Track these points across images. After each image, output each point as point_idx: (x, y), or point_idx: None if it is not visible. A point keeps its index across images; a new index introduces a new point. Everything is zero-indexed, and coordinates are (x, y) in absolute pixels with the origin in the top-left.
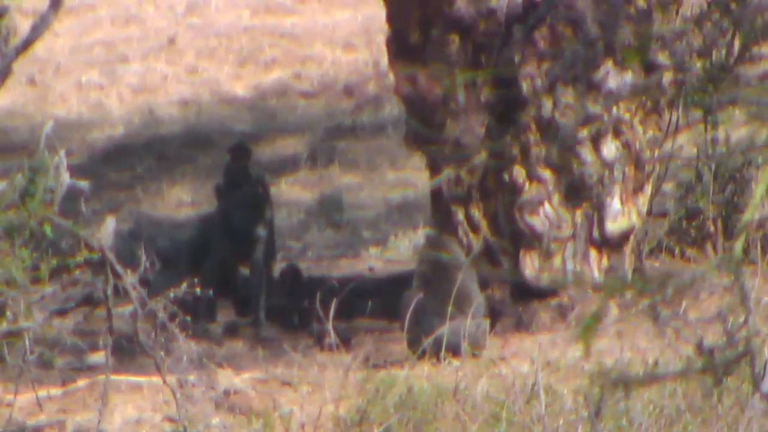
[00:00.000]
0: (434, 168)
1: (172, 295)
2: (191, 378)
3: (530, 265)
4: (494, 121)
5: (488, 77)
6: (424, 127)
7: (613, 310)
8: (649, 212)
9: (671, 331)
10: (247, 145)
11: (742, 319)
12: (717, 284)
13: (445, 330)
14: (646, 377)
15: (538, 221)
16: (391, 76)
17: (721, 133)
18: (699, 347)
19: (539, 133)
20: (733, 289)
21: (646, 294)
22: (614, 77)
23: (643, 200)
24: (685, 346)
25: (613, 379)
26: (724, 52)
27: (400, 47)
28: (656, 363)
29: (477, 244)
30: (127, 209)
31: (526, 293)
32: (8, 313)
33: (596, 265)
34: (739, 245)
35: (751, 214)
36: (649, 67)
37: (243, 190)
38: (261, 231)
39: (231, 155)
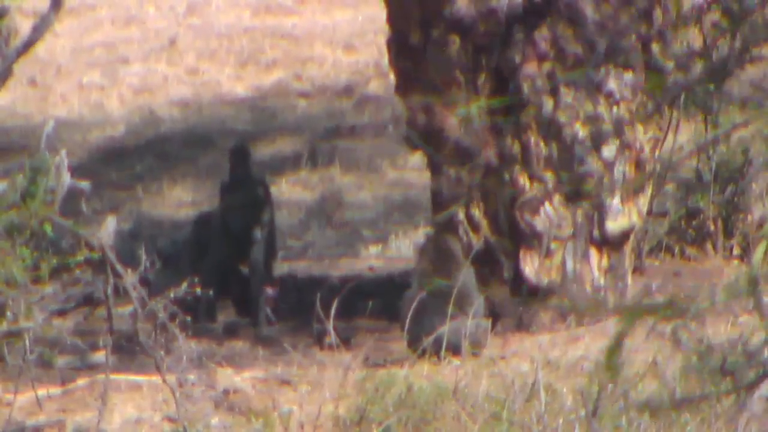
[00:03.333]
0: (435, 168)
1: (172, 294)
2: (191, 377)
3: (530, 265)
4: (495, 121)
5: (488, 72)
6: (424, 126)
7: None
8: (650, 212)
9: (699, 356)
10: (247, 147)
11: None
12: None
13: (445, 329)
14: (677, 402)
15: (538, 221)
16: (392, 77)
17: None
18: (722, 370)
19: (540, 133)
20: (752, 307)
21: (667, 319)
22: (615, 78)
23: (644, 200)
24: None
25: (644, 404)
26: (724, 52)
27: (401, 48)
28: (655, 362)
29: (477, 243)
30: (128, 209)
31: (526, 293)
32: (8, 312)
33: (596, 264)
34: (759, 255)
35: None
36: (651, 69)
37: (243, 190)
38: (260, 231)
39: (230, 157)
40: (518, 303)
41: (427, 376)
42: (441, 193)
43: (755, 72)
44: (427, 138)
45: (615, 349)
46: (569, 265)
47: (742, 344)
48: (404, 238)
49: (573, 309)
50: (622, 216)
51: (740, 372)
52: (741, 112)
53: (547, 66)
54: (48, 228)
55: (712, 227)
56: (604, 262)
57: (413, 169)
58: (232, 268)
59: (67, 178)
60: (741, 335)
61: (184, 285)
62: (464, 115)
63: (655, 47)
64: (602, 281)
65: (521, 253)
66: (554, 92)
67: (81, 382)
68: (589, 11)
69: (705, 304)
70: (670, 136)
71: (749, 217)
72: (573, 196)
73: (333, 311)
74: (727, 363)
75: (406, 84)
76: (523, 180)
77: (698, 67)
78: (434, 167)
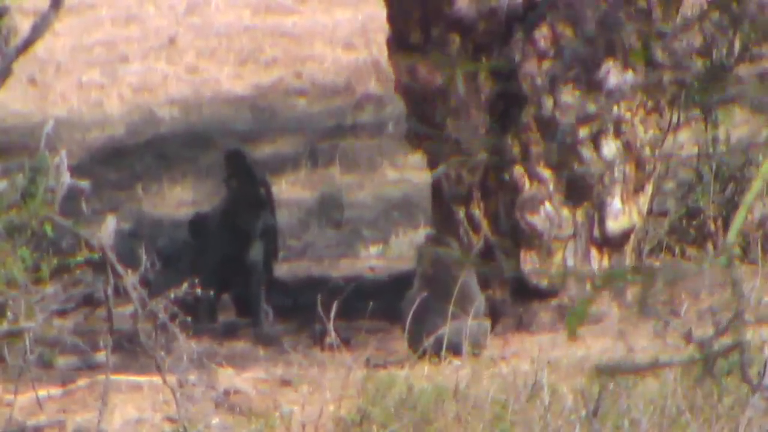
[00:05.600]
0: (434, 167)
1: (172, 295)
2: (191, 378)
3: (531, 265)
4: (494, 120)
5: (488, 72)
6: (424, 124)
7: (614, 310)
8: (650, 211)
9: (663, 323)
10: (242, 150)
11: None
12: (716, 283)
13: (446, 330)
14: (638, 366)
15: (538, 220)
16: (392, 76)
17: (721, 133)
18: (688, 337)
19: (539, 132)
20: (727, 282)
21: (641, 284)
22: (615, 76)
23: (644, 199)
24: (677, 339)
25: (605, 368)
26: (724, 51)
27: (401, 47)
28: (656, 361)
29: (477, 243)
30: (128, 209)
31: (526, 293)
32: (9, 313)
33: (597, 264)
34: (733, 233)
35: (750, 197)
36: (651, 67)
37: (245, 190)
38: (261, 232)
39: (225, 162)
40: (518, 303)
41: (427, 377)
42: (441, 192)
43: (756, 71)
44: (428, 135)
45: (581, 311)
46: (570, 264)
47: (712, 315)
48: (404, 238)
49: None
50: (622, 216)
51: (708, 343)
52: (741, 111)
53: (546, 65)
54: (48, 228)
55: (712, 227)
56: (605, 262)
57: (413, 169)
58: (231, 268)
59: (66, 178)
60: (710, 308)
61: (185, 285)
62: (449, 76)
63: (655, 46)
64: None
65: (521, 253)
66: (554, 91)
67: (81, 382)
68: (588, 10)
69: (678, 271)
70: (670, 136)
71: (749, 217)
72: (573, 196)
73: (333, 312)
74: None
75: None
76: (523, 179)
77: (698, 66)
78: (434, 166)
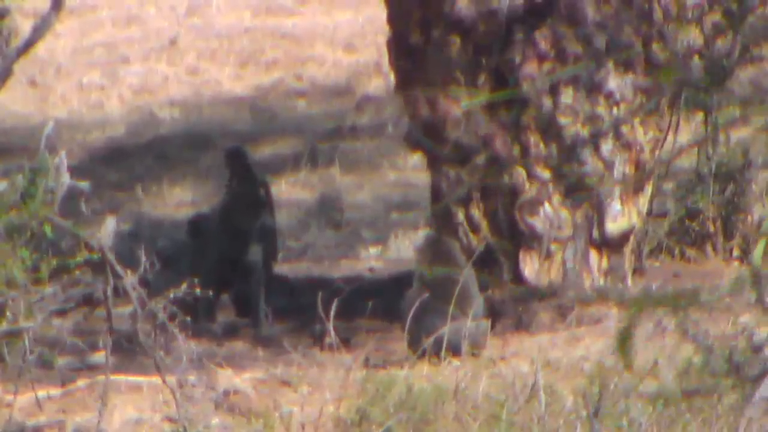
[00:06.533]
0: (434, 168)
1: (172, 295)
2: (191, 378)
3: (530, 265)
4: (495, 121)
5: (488, 73)
6: (425, 129)
7: (613, 310)
8: (649, 212)
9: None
10: (243, 148)
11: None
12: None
13: (445, 330)
14: (681, 392)
15: (538, 221)
16: (392, 77)
17: (721, 134)
18: (730, 362)
19: (539, 134)
20: (754, 302)
21: (677, 309)
22: (615, 78)
23: (643, 200)
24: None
25: (654, 395)
26: (724, 52)
27: (401, 48)
28: (656, 362)
29: (477, 244)
30: (128, 209)
31: (526, 293)
32: (8, 313)
33: (596, 265)
34: (758, 253)
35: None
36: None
37: (245, 190)
38: (261, 232)
39: (226, 160)
40: (518, 303)
41: (427, 377)
42: (440, 193)
43: (755, 72)
44: (428, 135)
45: (625, 338)
46: (569, 266)
47: (747, 338)
48: (404, 238)
49: (577, 301)
50: (621, 217)
51: (747, 365)
52: (741, 111)
53: (547, 66)
54: (48, 228)
55: (711, 228)
56: (604, 263)
57: (413, 170)
58: (231, 268)
59: (66, 179)
60: (745, 329)
61: (184, 285)
62: (467, 108)
63: (655, 47)
64: (602, 282)
65: (521, 254)
66: (554, 92)
67: (81, 382)
68: (589, 11)
69: (710, 297)
70: (670, 136)
71: (749, 218)
72: (573, 197)
73: (333, 312)
74: (734, 356)
75: (406, 84)
76: (523, 180)
77: (698, 67)
78: (434, 167)
